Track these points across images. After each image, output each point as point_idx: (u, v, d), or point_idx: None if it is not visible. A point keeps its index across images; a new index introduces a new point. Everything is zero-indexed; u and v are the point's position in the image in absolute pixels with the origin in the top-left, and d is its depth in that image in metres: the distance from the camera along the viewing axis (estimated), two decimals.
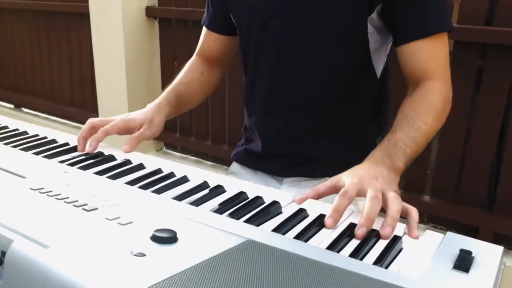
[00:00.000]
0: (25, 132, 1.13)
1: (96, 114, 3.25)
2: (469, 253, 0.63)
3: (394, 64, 1.06)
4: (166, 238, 0.59)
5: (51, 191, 0.73)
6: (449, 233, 0.70)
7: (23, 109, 4.18)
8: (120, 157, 0.99)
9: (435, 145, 2.28)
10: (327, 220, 0.71)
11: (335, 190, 0.78)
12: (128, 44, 2.98)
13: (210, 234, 0.64)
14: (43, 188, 0.74)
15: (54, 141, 1.08)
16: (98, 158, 0.98)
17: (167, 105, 1.13)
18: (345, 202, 0.73)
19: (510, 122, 2.06)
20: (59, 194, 0.73)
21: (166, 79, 2.99)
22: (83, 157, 0.97)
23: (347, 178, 0.79)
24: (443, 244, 0.67)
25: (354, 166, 1.09)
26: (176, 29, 2.96)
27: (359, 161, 1.11)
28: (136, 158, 0.99)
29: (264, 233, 0.67)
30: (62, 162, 0.93)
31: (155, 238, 0.59)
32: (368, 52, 1.01)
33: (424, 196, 2.30)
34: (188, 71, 1.23)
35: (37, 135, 1.10)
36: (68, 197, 0.72)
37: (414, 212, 0.74)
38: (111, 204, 0.70)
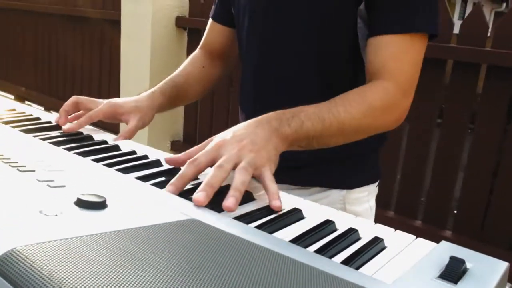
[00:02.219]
0: (35, 117, 1.06)
1: None
2: (461, 262, 0.51)
3: None
4: (91, 203, 0.49)
5: (1, 155, 0.65)
6: (443, 242, 0.58)
7: (52, 112, 4.23)
8: (100, 138, 0.91)
9: (460, 176, 2.12)
10: (168, 187, 0.63)
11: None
12: (154, 52, 2.96)
13: (148, 207, 0.54)
14: None
15: (38, 118, 1.01)
16: (75, 137, 0.90)
17: (161, 95, 1.06)
18: (191, 170, 0.65)
19: None
20: (1, 155, 0.64)
21: None
22: (61, 134, 0.90)
23: (212, 142, 0.71)
24: (434, 250, 0.55)
25: (343, 174, 0.99)
26: None
27: (348, 168, 0.99)
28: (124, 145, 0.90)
29: (216, 216, 0.56)
30: (35, 136, 0.86)
31: (79, 202, 0.50)
32: (358, 50, 0.91)
33: (446, 231, 2.13)
34: (189, 64, 1.17)
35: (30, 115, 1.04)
36: (9, 158, 0.63)
37: (270, 184, 0.65)
38: (52, 170, 0.62)
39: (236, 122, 2.80)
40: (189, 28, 3.04)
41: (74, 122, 0.96)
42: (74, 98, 1.00)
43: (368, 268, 0.51)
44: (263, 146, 0.69)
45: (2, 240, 0.39)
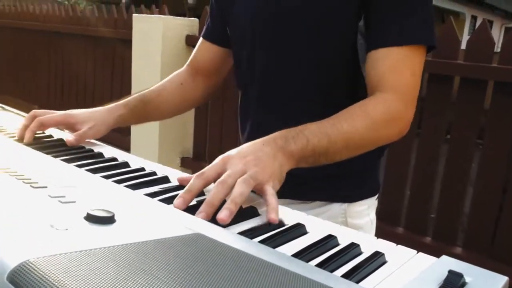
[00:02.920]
0: (47, 135, 1.10)
1: (129, 137, 3.27)
2: (460, 276, 0.52)
3: None
4: (100, 218, 0.51)
5: (8, 168, 0.68)
6: (444, 256, 0.59)
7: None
8: (108, 155, 0.94)
9: (470, 191, 2.12)
10: (176, 201, 0.65)
11: (215, 171, 0.71)
12: (165, 69, 3.01)
13: (155, 222, 0.56)
14: (4, 166, 0.69)
15: (50, 136, 1.04)
16: (86, 154, 0.93)
17: (123, 107, 1.08)
18: (197, 183, 0.67)
19: None
20: (15, 172, 0.67)
21: (199, 108, 2.99)
22: (72, 151, 0.93)
23: (218, 157, 0.72)
24: (434, 265, 0.56)
25: (344, 188, 1.00)
26: None
27: (349, 182, 0.99)
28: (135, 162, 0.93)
29: (220, 231, 0.58)
30: (48, 153, 0.88)
31: (88, 217, 0.52)
32: (358, 65, 0.93)
33: (456, 248, 2.12)
34: (167, 80, 1.19)
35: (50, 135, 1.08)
36: (23, 175, 0.66)
37: (270, 197, 0.66)
38: (64, 186, 0.64)
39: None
40: None
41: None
42: (32, 112, 1.01)
43: (368, 282, 0.53)
44: (268, 163, 0.70)
45: (16, 252, 0.41)
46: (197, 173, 0.69)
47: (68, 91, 4.40)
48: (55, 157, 0.86)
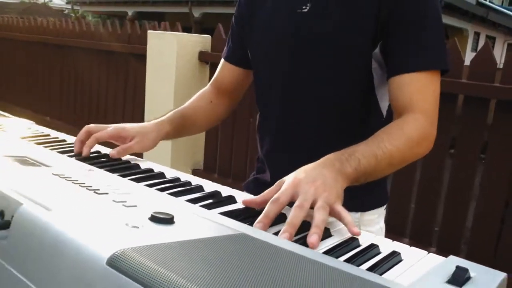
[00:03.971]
0: (64, 140, 1.20)
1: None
2: (465, 270, 0.62)
3: None
4: (163, 218, 0.61)
5: (69, 177, 0.78)
6: (451, 256, 0.69)
7: None
8: (146, 166, 1.04)
9: (473, 204, 2.21)
10: (256, 225, 0.72)
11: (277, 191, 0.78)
12: (178, 85, 3.12)
13: (205, 224, 0.65)
14: (63, 174, 0.79)
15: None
16: (124, 165, 1.03)
17: (168, 123, 1.17)
18: (274, 209, 0.73)
19: None
20: (76, 180, 0.77)
21: None
22: (110, 162, 1.03)
23: (287, 181, 0.79)
24: (444, 262, 0.66)
25: (360, 199, 1.08)
26: None
27: (362, 193, 1.05)
28: (168, 172, 1.03)
29: (260, 233, 0.68)
30: (91, 163, 0.98)
31: (153, 218, 0.62)
32: (372, 89, 1.03)
33: None
34: (198, 98, 1.29)
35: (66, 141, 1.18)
36: (84, 183, 0.76)
37: (345, 215, 0.75)
38: (123, 192, 0.74)
39: (255, 153, 2.93)
40: (211, 62, 3.20)
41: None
42: (86, 128, 1.11)
43: (387, 275, 0.62)
44: (333, 186, 0.79)
45: (108, 244, 0.51)
46: (272, 199, 0.75)
47: (80, 103, 4.51)
48: (100, 168, 0.96)
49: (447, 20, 12.93)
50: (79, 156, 1.05)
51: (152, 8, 16.95)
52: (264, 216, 0.73)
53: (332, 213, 0.76)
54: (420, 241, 2.34)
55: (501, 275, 0.64)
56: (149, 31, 3.34)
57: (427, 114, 0.96)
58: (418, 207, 2.37)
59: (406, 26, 0.96)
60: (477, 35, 16.94)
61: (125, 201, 0.69)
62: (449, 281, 0.59)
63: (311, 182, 0.77)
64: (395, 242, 0.74)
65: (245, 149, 3.00)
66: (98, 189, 0.74)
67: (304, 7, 1.03)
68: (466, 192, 2.20)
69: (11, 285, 0.57)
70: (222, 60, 1.30)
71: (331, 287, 0.50)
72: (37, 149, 1.04)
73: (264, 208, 0.75)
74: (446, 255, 1.92)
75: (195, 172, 3.33)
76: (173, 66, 3.09)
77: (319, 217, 0.72)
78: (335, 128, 1.06)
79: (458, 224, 2.22)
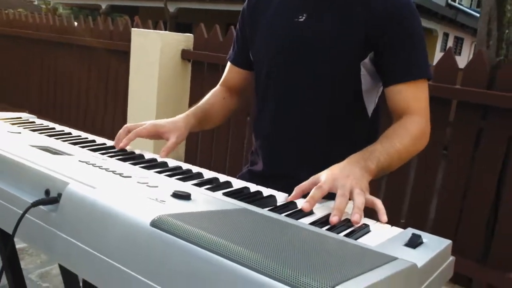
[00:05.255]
0: (91, 139, 1.34)
1: None
2: (419, 236, 0.79)
3: (386, 107, 1.22)
4: (183, 195, 0.77)
5: (94, 163, 0.93)
6: (409, 228, 0.86)
7: None
8: (149, 156, 1.19)
9: (435, 199, 2.42)
10: (304, 205, 0.89)
11: (314, 186, 0.95)
12: (161, 82, 3.24)
13: (215, 201, 0.81)
14: (88, 161, 0.94)
15: (93, 140, 1.28)
16: (130, 155, 1.17)
17: (193, 117, 1.33)
18: (319, 193, 0.91)
19: (506, 180, 2.20)
20: (101, 166, 0.92)
21: None
22: (118, 153, 1.17)
23: (324, 175, 0.96)
24: (403, 232, 0.83)
25: None
26: (207, 72, 3.23)
27: None
28: (165, 160, 1.18)
29: (257, 209, 0.84)
30: (102, 153, 1.13)
31: (174, 195, 0.77)
32: (360, 92, 1.20)
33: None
34: (212, 96, 1.45)
35: (80, 135, 1.31)
36: (108, 168, 0.91)
37: (378, 202, 0.92)
38: (142, 176, 0.89)
39: (235, 146, 3.15)
40: (193, 60, 3.34)
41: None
42: (124, 127, 1.26)
43: (360, 240, 0.79)
44: (361, 180, 0.96)
45: (147, 212, 0.66)
46: (317, 186, 0.92)
47: (60, 99, 4.57)
48: (110, 157, 1.10)
49: None
50: (93, 147, 1.19)
51: (126, 2, 16.83)
52: (310, 197, 0.90)
53: (366, 200, 0.93)
54: None
55: (447, 242, 0.83)
56: (133, 29, 3.45)
57: (422, 115, 1.15)
58: (386, 201, 2.57)
59: (398, 44, 1.13)
60: (446, 35, 17.44)
61: (147, 183, 0.84)
62: (406, 244, 0.76)
63: (346, 177, 0.95)
64: (366, 219, 0.91)
65: (226, 142, 3.15)
66: (122, 173, 0.88)
67: (300, 16, 1.20)
68: (430, 185, 2.41)
69: (65, 248, 0.72)
70: (229, 63, 1.45)
71: (310, 244, 0.66)
72: (53, 141, 1.18)
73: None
74: None
75: None
76: (157, 63, 3.21)
77: (359, 200, 0.89)
78: (325, 127, 1.23)
79: (422, 215, 2.43)
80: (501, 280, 2.17)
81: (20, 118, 1.49)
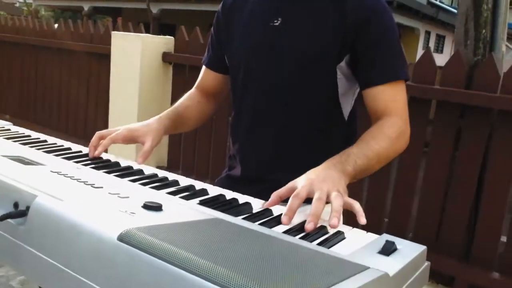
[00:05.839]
0: (67, 147, 1.31)
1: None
2: (392, 243, 0.79)
3: (363, 109, 1.22)
4: (153, 206, 0.76)
5: (66, 174, 0.91)
6: (384, 234, 0.86)
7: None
8: (124, 164, 1.17)
9: (417, 198, 2.43)
10: (283, 218, 0.87)
11: (291, 191, 0.94)
12: (142, 84, 3.22)
13: (187, 210, 0.80)
14: (60, 172, 0.92)
15: (69, 148, 1.26)
16: (105, 163, 1.16)
17: (167, 119, 1.32)
18: (297, 202, 0.89)
19: (486, 178, 2.22)
20: (73, 176, 0.90)
21: None
22: (93, 161, 1.15)
23: (301, 181, 0.95)
24: (377, 239, 0.83)
25: None
26: (189, 74, 3.21)
27: None
28: (138, 167, 1.16)
29: (231, 218, 0.83)
30: (76, 162, 1.11)
31: (145, 206, 0.76)
32: (337, 96, 1.20)
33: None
34: (187, 99, 1.44)
35: (55, 143, 1.29)
36: (80, 178, 0.89)
37: (356, 205, 0.91)
38: (114, 186, 0.88)
39: (217, 151, 3.14)
40: (175, 63, 3.32)
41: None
42: (97, 134, 1.24)
43: (333, 248, 0.78)
44: (339, 183, 0.96)
45: (115, 225, 0.65)
46: (293, 194, 0.91)
47: (41, 103, 4.52)
48: (85, 165, 1.09)
49: (399, 19, 13.39)
50: (67, 155, 1.17)
51: (109, 3, 16.68)
52: (288, 209, 0.88)
53: (344, 203, 0.92)
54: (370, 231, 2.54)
55: (421, 248, 0.82)
56: (113, 32, 3.42)
57: (401, 116, 1.15)
58: (369, 200, 2.58)
59: (374, 47, 1.13)
60: (428, 33, 17.60)
61: (119, 193, 0.83)
62: (380, 252, 0.76)
63: (323, 181, 0.94)
64: (343, 225, 0.91)
65: (208, 146, 3.14)
66: (94, 184, 0.87)
67: (275, 21, 1.19)
68: (412, 184, 2.42)
69: (32, 262, 0.70)
70: (204, 66, 1.44)
71: (280, 256, 0.65)
72: (26, 150, 1.16)
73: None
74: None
75: (159, 169, 3.43)
76: (137, 66, 3.18)
77: (337, 203, 0.88)
78: (301, 130, 1.22)
79: (404, 213, 2.44)
80: (483, 278, 2.19)
81: None
